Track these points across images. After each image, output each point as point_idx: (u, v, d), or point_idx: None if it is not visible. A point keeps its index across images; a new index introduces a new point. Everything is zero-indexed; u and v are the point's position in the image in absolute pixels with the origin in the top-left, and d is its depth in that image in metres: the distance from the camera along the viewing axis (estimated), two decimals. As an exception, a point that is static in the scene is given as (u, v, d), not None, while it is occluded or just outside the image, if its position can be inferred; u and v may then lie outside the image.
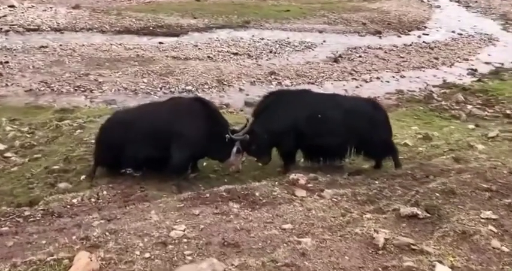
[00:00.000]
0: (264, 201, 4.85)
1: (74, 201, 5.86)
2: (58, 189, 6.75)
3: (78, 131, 9.33)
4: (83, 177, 7.25)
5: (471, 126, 9.53)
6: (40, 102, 12.22)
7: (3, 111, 11.10)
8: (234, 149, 6.92)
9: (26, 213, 5.23)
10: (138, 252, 3.62)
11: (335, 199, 4.68)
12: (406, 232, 3.70)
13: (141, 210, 4.75)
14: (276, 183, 5.68)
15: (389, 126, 7.18)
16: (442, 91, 14.33)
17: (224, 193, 5.17)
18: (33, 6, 23.28)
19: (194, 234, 3.82)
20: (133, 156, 6.90)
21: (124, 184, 6.79)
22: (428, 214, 3.94)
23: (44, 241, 4.06)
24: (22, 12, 21.99)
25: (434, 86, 15.10)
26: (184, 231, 3.85)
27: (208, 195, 5.17)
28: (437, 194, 4.22)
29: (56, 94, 12.88)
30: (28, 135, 9.26)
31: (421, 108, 12.14)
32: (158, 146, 6.83)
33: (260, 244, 3.59)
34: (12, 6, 22.68)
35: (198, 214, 4.41)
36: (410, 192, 4.53)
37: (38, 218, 5.11)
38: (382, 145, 6.96)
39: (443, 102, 12.69)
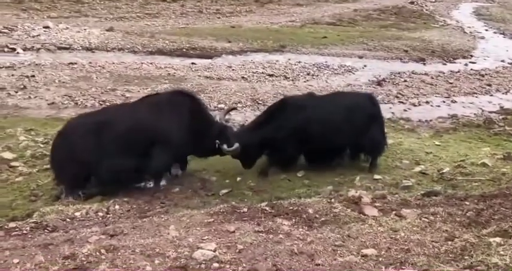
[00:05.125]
0: (322, 218, 3.54)
1: (77, 214, 4.69)
2: (63, 203, 5.64)
3: (97, 141, 8.29)
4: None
5: (554, 149, 8.01)
6: (62, 115, 11.36)
7: (21, 122, 10.30)
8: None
9: (11, 225, 4.07)
10: (144, 281, 2.38)
11: (426, 219, 3.32)
12: None
13: (157, 225, 3.51)
14: (332, 200, 4.37)
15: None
16: (502, 117, 12.85)
17: (267, 208, 3.90)
18: (67, 28, 23.03)
19: (229, 256, 2.54)
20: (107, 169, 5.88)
21: (142, 199, 5.62)
22: None
23: (16, 260, 2.86)
24: (56, 33, 21.69)
25: (490, 112, 13.64)
26: (215, 251, 2.58)
27: (246, 209, 3.91)
28: None
29: (79, 108, 11.99)
30: (42, 145, 8.31)
31: (483, 132, 10.68)
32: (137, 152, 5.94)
33: (335, 275, 2.28)
34: (47, 27, 22.53)
35: (234, 231, 3.14)
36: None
37: (24, 232, 3.93)
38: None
39: (507, 127, 11.21)
